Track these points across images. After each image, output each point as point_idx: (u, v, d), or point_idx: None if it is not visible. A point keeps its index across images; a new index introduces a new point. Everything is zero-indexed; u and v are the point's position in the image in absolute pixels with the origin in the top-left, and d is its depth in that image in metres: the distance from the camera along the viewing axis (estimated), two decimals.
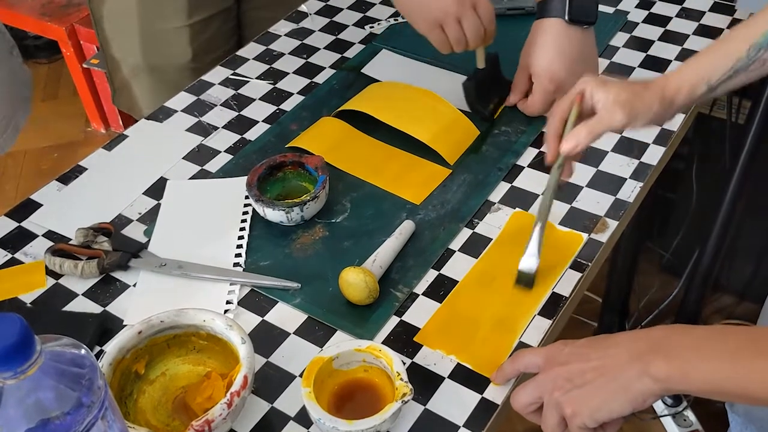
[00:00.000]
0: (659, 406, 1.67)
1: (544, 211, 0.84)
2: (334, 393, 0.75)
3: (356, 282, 0.82)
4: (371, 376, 0.76)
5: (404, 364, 0.78)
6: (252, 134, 1.08)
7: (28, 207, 0.97)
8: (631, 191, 0.96)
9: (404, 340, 0.81)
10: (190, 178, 1.01)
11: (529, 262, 0.84)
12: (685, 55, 1.17)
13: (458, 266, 0.88)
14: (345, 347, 0.75)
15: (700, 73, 0.82)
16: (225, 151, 1.05)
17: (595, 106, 0.82)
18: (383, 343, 0.81)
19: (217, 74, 1.19)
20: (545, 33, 1.01)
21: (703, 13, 1.26)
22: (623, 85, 0.82)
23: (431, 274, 0.88)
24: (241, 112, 1.12)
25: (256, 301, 0.86)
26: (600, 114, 0.81)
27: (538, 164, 1.01)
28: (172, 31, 1.28)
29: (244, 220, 0.94)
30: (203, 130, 1.09)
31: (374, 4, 1.33)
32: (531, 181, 0.98)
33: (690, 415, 1.67)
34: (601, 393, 0.66)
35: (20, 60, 1.25)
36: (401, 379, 0.72)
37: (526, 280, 0.84)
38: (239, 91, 1.15)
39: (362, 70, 1.16)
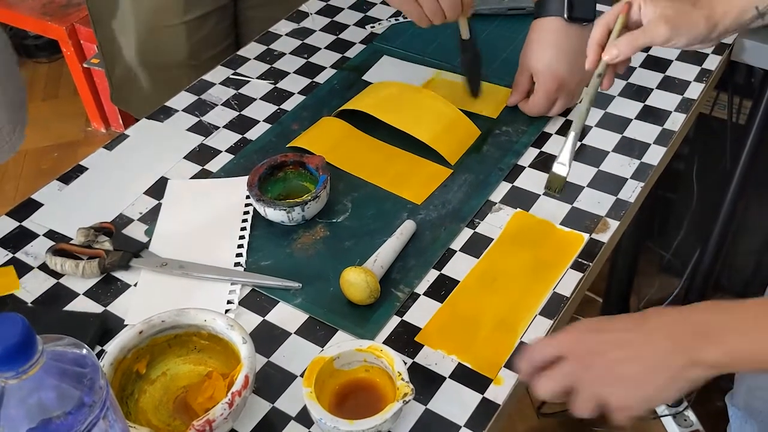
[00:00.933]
0: (659, 407, 1.67)
1: (580, 119, 0.86)
2: (335, 393, 0.75)
3: (357, 282, 0.82)
4: (372, 376, 0.76)
5: (405, 364, 0.78)
6: (253, 134, 1.08)
7: (29, 206, 0.97)
8: (632, 191, 0.96)
9: (405, 340, 0.81)
10: (191, 178, 1.01)
11: (560, 168, 0.87)
12: (685, 56, 1.17)
13: (459, 266, 0.88)
14: (346, 347, 0.75)
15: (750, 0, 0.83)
16: (226, 151, 1.05)
17: (642, 19, 0.84)
18: (384, 343, 0.81)
19: (217, 74, 1.19)
20: (545, 32, 1.01)
21: None
22: (671, 2, 0.83)
23: (432, 274, 0.88)
24: (242, 112, 1.12)
25: (257, 301, 0.86)
26: (645, 27, 0.83)
27: (539, 164, 1.01)
28: (169, 29, 1.28)
29: (245, 220, 0.94)
30: (204, 129, 1.09)
31: (375, 4, 1.33)
32: (532, 181, 0.98)
33: (690, 414, 1.67)
34: (649, 386, 0.64)
35: (17, 66, 1.27)
36: (402, 379, 0.72)
37: (556, 185, 0.87)
38: (240, 91, 1.15)
39: (363, 77, 1.16)
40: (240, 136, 1.07)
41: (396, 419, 0.72)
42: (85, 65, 2.37)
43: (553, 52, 1.00)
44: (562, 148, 0.87)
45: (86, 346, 0.54)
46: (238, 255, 0.90)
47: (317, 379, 0.73)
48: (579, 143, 0.99)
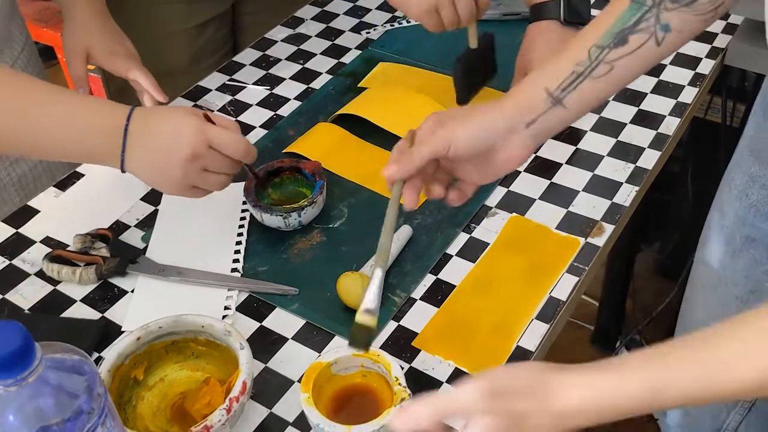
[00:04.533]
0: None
1: (383, 254, 0.71)
2: (332, 398, 0.75)
3: (354, 287, 0.83)
4: (369, 381, 0.76)
5: (402, 368, 0.78)
6: (249, 139, 1.08)
7: (26, 213, 0.97)
8: (627, 195, 0.97)
9: (402, 345, 0.81)
10: None
11: (367, 317, 0.68)
12: (680, 60, 1.18)
13: (456, 271, 0.89)
14: (343, 352, 0.75)
15: (537, 79, 0.74)
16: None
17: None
18: (381, 347, 0.81)
19: (213, 80, 1.19)
20: (542, 35, 1.01)
21: None
22: (453, 110, 0.75)
23: (429, 279, 0.88)
24: (238, 118, 1.12)
25: (254, 307, 0.86)
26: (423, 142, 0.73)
27: (535, 169, 1.01)
28: (168, 36, 1.28)
29: (241, 226, 0.94)
30: None
31: (370, 10, 1.33)
32: (528, 185, 0.99)
33: None
34: None
35: None
36: (399, 384, 0.72)
37: (362, 339, 0.68)
38: (236, 97, 1.16)
39: (359, 83, 1.16)
40: None
41: None
42: None
43: (551, 56, 1.00)
44: (365, 292, 0.69)
45: (84, 353, 0.54)
46: (235, 261, 0.90)
47: (315, 384, 0.73)
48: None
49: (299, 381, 0.77)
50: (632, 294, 1.80)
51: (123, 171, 0.80)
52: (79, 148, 0.79)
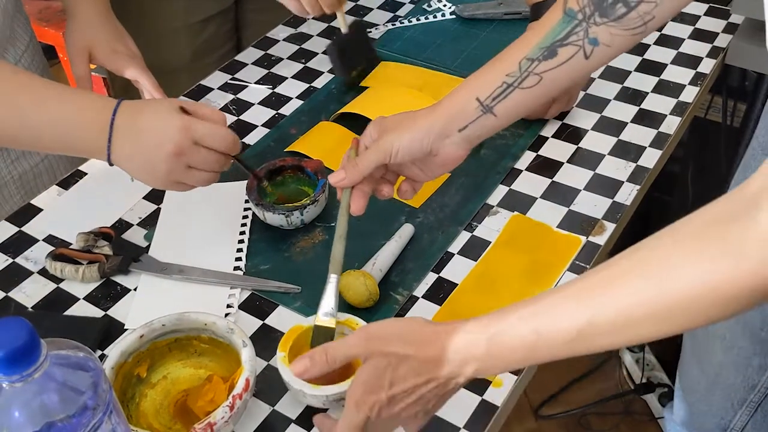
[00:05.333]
0: (657, 409, 1.68)
1: (337, 261, 0.76)
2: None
3: (356, 285, 0.83)
4: None
5: None
6: (251, 138, 1.08)
7: (29, 212, 0.98)
8: (628, 194, 0.97)
9: None
10: None
11: (327, 319, 0.75)
12: (680, 59, 1.18)
13: (457, 269, 0.89)
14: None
15: (469, 89, 0.77)
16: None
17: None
18: None
19: (215, 79, 1.19)
20: None
21: (698, 17, 1.27)
22: (393, 118, 0.79)
23: (431, 277, 0.88)
24: (240, 117, 1.12)
25: (256, 305, 0.86)
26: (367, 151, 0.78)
27: (537, 168, 1.01)
28: (170, 33, 1.28)
29: (244, 224, 0.95)
30: None
31: (371, 9, 1.33)
32: (529, 184, 0.99)
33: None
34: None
35: None
36: None
37: (322, 340, 0.74)
38: (238, 96, 1.16)
39: (361, 84, 1.16)
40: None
41: None
42: None
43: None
44: (322, 296, 0.75)
45: (89, 349, 0.54)
46: (238, 259, 0.90)
47: (294, 345, 0.75)
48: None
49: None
50: None
51: (110, 164, 0.81)
52: (69, 142, 0.81)
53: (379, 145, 0.77)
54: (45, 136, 0.79)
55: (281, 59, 1.23)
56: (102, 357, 0.80)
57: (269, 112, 1.13)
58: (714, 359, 0.98)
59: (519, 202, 0.97)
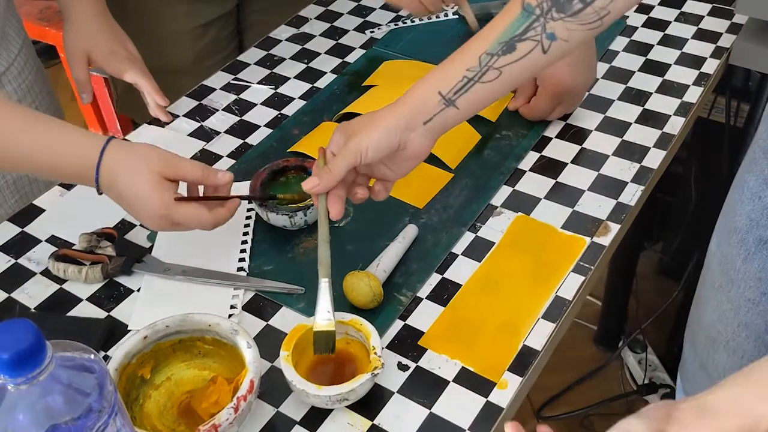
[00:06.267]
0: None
1: (326, 265, 0.77)
2: (314, 360, 0.77)
3: (360, 286, 0.83)
4: (352, 349, 0.78)
5: (408, 367, 0.79)
6: (254, 139, 1.08)
7: (31, 212, 0.97)
8: (632, 195, 0.97)
9: (409, 344, 0.81)
10: None
11: (324, 322, 0.75)
12: (684, 59, 1.18)
13: (461, 270, 0.89)
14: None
15: (432, 83, 0.78)
16: (227, 156, 1.05)
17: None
18: (387, 347, 0.81)
19: (218, 79, 1.19)
20: None
21: (702, 17, 1.27)
22: (357, 121, 0.80)
23: (435, 278, 0.88)
24: (243, 117, 1.12)
25: (260, 306, 0.86)
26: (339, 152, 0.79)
27: (541, 168, 1.01)
28: (173, 36, 1.28)
29: (247, 225, 0.94)
30: (205, 135, 1.09)
31: (374, 9, 1.33)
32: (533, 185, 0.99)
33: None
34: None
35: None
36: (375, 353, 0.74)
37: (325, 344, 0.75)
38: (241, 96, 1.16)
39: (363, 82, 1.16)
40: (241, 141, 1.08)
41: (365, 390, 0.74)
42: None
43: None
44: (317, 300, 0.76)
45: (94, 351, 0.54)
46: (241, 260, 0.90)
47: (297, 344, 0.76)
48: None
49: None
50: (635, 294, 1.81)
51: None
52: (61, 177, 0.85)
53: (349, 148, 0.78)
54: (36, 173, 0.85)
55: (284, 59, 1.22)
56: (105, 358, 0.80)
57: (272, 113, 1.12)
58: (718, 364, 0.98)
59: (523, 203, 0.96)
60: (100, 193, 0.82)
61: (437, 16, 1.29)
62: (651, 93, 1.12)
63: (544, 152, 1.03)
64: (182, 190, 0.85)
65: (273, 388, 0.77)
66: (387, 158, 0.80)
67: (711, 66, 1.17)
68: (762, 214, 0.85)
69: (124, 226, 0.95)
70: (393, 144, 0.78)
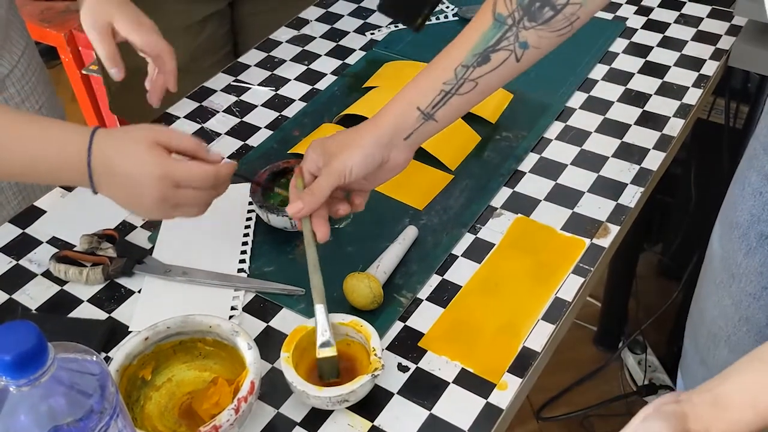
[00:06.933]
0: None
1: (319, 291, 0.77)
2: (315, 361, 0.77)
3: (360, 287, 0.83)
4: (353, 350, 0.78)
5: (408, 369, 0.79)
6: (254, 140, 1.08)
7: (32, 214, 0.98)
8: (632, 197, 0.97)
9: (409, 346, 0.81)
10: None
11: (326, 350, 0.75)
12: (683, 61, 1.18)
13: (461, 271, 0.89)
14: (330, 319, 0.77)
15: (409, 99, 0.79)
16: (228, 158, 1.05)
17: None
18: (388, 348, 0.81)
19: (218, 81, 1.19)
20: None
21: (702, 19, 1.27)
22: (334, 139, 0.80)
23: (435, 280, 0.88)
24: (244, 119, 1.12)
25: (260, 307, 0.86)
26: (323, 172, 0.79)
27: (540, 170, 1.01)
28: (168, 33, 1.27)
29: (248, 226, 0.95)
30: (206, 136, 1.09)
31: (374, 11, 1.33)
32: (533, 186, 0.99)
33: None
34: None
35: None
36: (375, 355, 0.74)
37: (330, 369, 0.75)
38: (241, 98, 1.16)
39: (363, 84, 1.16)
40: (242, 143, 1.08)
41: (365, 392, 0.74)
42: (83, 72, 2.37)
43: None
44: (316, 325, 0.76)
45: (96, 352, 0.54)
46: (242, 261, 0.90)
47: (298, 346, 0.76)
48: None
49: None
50: (635, 295, 1.81)
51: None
52: (57, 180, 0.84)
53: (333, 168, 0.78)
54: (28, 177, 0.82)
55: (284, 61, 1.23)
56: (106, 359, 0.80)
57: (272, 114, 1.13)
58: (719, 359, 0.99)
59: (523, 205, 0.97)
60: (95, 192, 0.78)
61: (437, 18, 1.29)
62: (650, 95, 1.13)
63: (544, 154, 1.04)
64: None
65: (273, 389, 0.78)
66: (369, 173, 0.80)
67: (710, 68, 1.17)
68: (763, 209, 0.86)
69: (125, 228, 0.95)
70: (376, 161, 0.79)
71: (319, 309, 0.76)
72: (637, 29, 1.26)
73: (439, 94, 0.77)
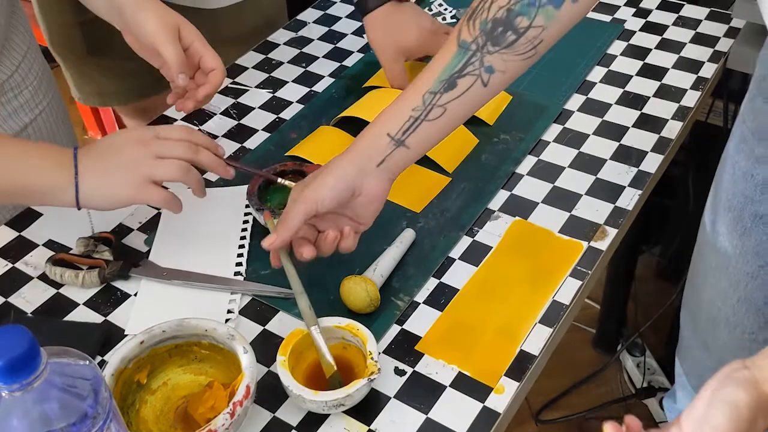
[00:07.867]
0: (658, 413, 1.68)
1: (309, 314, 0.77)
2: (310, 365, 0.77)
3: (357, 290, 0.83)
4: (349, 354, 0.78)
5: (405, 372, 0.79)
6: (252, 143, 1.08)
7: (29, 216, 0.97)
8: (630, 199, 0.97)
9: (406, 349, 0.81)
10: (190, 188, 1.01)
11: (327, 365, 0.76)
12: (681, 63, 1.18)
13: (459, 274, 0.89)
14: (325, 323, 0.77)
15: (380, 125, 0.79)
16: (225, 159, 1.05)
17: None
18: (384, 351, 0.81)
19: None
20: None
21: (700, 21, 1.27)
22: (309, 176, 0.81)
23: (432, 283, 0.88)
24: (241, 121, 1.12)
25: (257, 310, 0.86)
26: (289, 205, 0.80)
27: (538, 172, 1.01)
28: None
29: (244, 229, 0.94)
30: None
31: None
32: (531, 189, 0.99)
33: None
34: None
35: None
36: (372, 358, 0.74)
37: (334, 379, 0.76)
38: (239, 100, 1.16)
39: (361, 86, 1.16)
40: (239, 145, 1.08)
41: (362, 396, 0.74)
42: None
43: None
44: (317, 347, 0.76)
45: (89, 356, 0.54)
46: (238, 264, 0.90)
47: (294, 349, 0.76)
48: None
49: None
50: (634, 297, 1.81)
51: (79, 208, 0.82)
52: (36, 188, 0.82)
53: (305, 196, 0.78)
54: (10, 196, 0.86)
55: (282, 63, 1.23)
56: (102, 363, 0.80)
57: (270, 116, 1.13)
58: (719, 341, 0.99)
59: (520, 207, 0.96)
60: (79, 208, 0.81)
61: None
62: (649, 97, 1.13)
63: (542, 156, 1.03)
64: (178, 191, 0.85)
65: (269, 393, 0.77)
66: (345, 206, 0.80)
67: (709, 70, 1.17)
68: (755, 190, 0.87)
69: (122, 231, 0.95)
70: (349, 188, 0.78)
71: (314, 331, 0.76)
72: (635, 31, 1.26)
73: (409, 120, 0.78)
